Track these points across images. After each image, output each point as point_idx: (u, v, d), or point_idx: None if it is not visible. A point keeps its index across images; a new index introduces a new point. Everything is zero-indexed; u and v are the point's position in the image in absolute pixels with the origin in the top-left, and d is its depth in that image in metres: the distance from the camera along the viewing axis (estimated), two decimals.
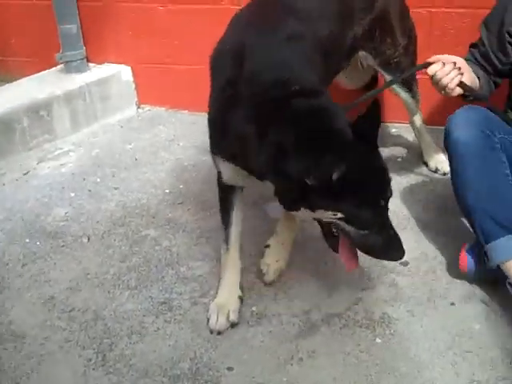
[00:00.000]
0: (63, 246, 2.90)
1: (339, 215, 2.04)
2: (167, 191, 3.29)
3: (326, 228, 2.21)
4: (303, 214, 2.12)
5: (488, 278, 2.51)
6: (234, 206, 2.48)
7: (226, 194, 2.47)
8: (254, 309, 2.50)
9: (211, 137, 2.38)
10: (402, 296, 2.51)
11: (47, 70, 4.06)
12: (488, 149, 2.40)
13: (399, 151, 3.54)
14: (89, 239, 2.94)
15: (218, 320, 2.40)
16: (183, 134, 3.84)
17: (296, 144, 1.98)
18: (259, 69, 2.15)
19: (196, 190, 3.28)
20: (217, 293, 2.52)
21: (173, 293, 2.60)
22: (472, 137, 2.40)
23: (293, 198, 2.07)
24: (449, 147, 2.48)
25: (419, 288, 2.55)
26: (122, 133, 3.92)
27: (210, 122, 2.38)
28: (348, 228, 2.08)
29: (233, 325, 2.41)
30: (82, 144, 3.80)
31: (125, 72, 4.06)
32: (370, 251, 2.16)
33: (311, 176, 1.94)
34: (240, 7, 3.62)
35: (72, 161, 3.63)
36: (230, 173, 2.37)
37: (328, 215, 2.06)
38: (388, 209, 2.14)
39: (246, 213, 2.99)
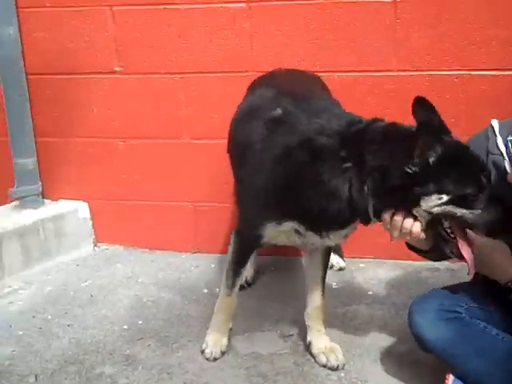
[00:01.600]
0: None
1: (445, 198, 2.13)
2: (125, 327, 3.05)
3: (440, 235, 2.25)
4: (418, 213, 2.19)
5: None
6: (247, 264, 2.80)
7: (248, 251, 2.74)
8: None
9: (267, 202, 2.47)
10: None
11: (0, 206, 3.89)
12: (463, 332, 2.31)
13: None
14: (36, 378, 2.65)
15: (212, 351, 2.75)
16: (142, 271, 3.64)
17: (392, 154, 2.19)
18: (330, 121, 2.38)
19: (156, 327, 3.06)
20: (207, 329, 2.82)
21: None
22: (441, 333, 2.30)
23: (400, 198, 2.19)
24: (429, 350, 2.38)
25: None
26: (77, 271, 3.69)
27: (272, 186, 2.44)
28: (460, 212, 2.16)
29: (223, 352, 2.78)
30: (34, 282, 3.54)
31: (82, 208, 3.91)
32: (490, 229, 2.18)
33: (410, 164, 2.11)
34: (198, 141, 3.67)
35: (22, 298, 3.35)
36: (276, 234, 2.54)
37: (435, 203, 2.14)
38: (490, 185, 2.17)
39: None
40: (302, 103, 2.52)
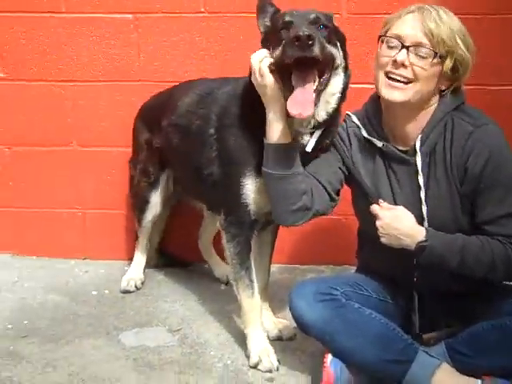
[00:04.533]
0: None
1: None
2: (9, 327, 3.04)
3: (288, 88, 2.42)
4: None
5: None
6: (251, 253, 2.78)
7: (246, 236, 2.75)
8: None
9: (246, 159, 2.66)
10: None
11: None
12: (338, 311, 2.44)
13: None
14: None
15: (262, 361, 2.68)
16: (29, 277, 3.61)
17: None
18: None
19: (42, 325, 3.06)
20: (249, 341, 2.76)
21: None
22: (318, 313, 2.43)
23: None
24: (308, 331, 2.50)
25: None
26: None
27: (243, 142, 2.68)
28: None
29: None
30: None
31: None
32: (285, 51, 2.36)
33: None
34: (87, 149, 3.71)
35: None
36: (258, 193, 2.64)
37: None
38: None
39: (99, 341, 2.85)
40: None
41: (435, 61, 2.36)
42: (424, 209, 2.46)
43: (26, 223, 3.87)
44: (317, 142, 2.57)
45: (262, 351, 2.71)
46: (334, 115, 2.59)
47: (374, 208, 2.48)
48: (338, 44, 2.51)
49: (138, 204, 3.45)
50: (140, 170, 3.40)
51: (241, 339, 2.91)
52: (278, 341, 2.91)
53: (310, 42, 2.29)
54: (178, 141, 3.05)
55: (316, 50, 2.32)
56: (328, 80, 2.48)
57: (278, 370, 2.67)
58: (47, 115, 3.73)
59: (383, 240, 2.45)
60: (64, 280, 3.58)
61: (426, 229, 2.41)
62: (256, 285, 2.78)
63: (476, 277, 2.40)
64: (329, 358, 2.48)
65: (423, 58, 2.36)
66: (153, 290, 3.46)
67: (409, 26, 2.39)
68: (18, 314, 3.16)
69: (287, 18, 2.44)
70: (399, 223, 2.42)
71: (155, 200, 3.37)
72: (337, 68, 2.50)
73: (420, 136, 2.45)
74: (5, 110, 3.74)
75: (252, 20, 3.46)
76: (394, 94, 2.40)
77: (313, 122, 2.53)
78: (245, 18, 3.47)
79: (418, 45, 2.36)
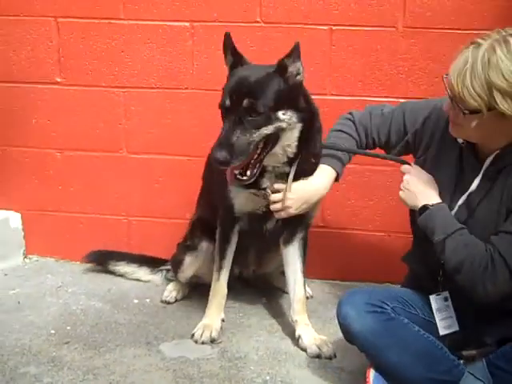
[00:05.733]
0: None
1: None
2: (52, 332, 3.03)
3: None
4: None
5: None
6: (231, 242, 3.02)
7: (227, 228, 3.01)
8: None
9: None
10: None
11: None
12: (387, 325, 2.40)
13: None
14: None
15: (202, 335, 2.94)
16: (72, 282, 3.62)
17: None
18: None
19: (84, 332, 3.05)
20: (204, 314, 3.04)
21: None
22: (367, 323, 2.40)
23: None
24: (353, 340, 2.46)
25: None
26: (4, 280, 3.64)
27: None
28: None
29: (213, 341, 2.94)
30: None
31: (13, 219, 3.87)
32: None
33: None
34: (136, 156, 3.71)
35: None
36: (244, 200, 2.91)
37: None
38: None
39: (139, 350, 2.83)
40: None
41: (468, 115, 2.27)
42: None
43: (72, 228, 3.88)
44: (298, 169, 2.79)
45: (207, 326, 2.97)
46: (300, 153, 2.77)
47: (406, 166, 2.57)
48: (282, 111, 2.65)
49: (174, 263, 3.43)
50: (184, 236, 3.42)
51: (280, 355, 2.89)
52: (317, 358, 2.85)
53: (226, 161, 2.53)
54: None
55: (236, 160, 2.55)
56: (274, 144, 2.68)
57: (213, 341, 2.93)
58: (100, 121, 3.75)
59: (401, 194, 2.54)
60: (106, 287, 3.57)
61: (441, 202, 2.43)
62: (225, 273, 3.03)
63: (447, 268, 2.37)
64: (371, 374, 2.42)
65: (461, 110, 2.28)
66: (194, 302, 3.41)
67: (452, 72, 2.28)
68: (60, 320, 3.16)
69: (226, 103, 2.64)
70: (425, 185, 2.48)
71: (188, 263, 3.30)
72: (283, 130, 2.67)
73: (496, 152, 2.38)
74: (59, 114, 3.77)
75: (309, 31, 3.48)
76: (451, 128, 2.43)
77: (282, 161, 2.78)
78: (301, 29, 3.47)
79: (453, 98, 2.30)
